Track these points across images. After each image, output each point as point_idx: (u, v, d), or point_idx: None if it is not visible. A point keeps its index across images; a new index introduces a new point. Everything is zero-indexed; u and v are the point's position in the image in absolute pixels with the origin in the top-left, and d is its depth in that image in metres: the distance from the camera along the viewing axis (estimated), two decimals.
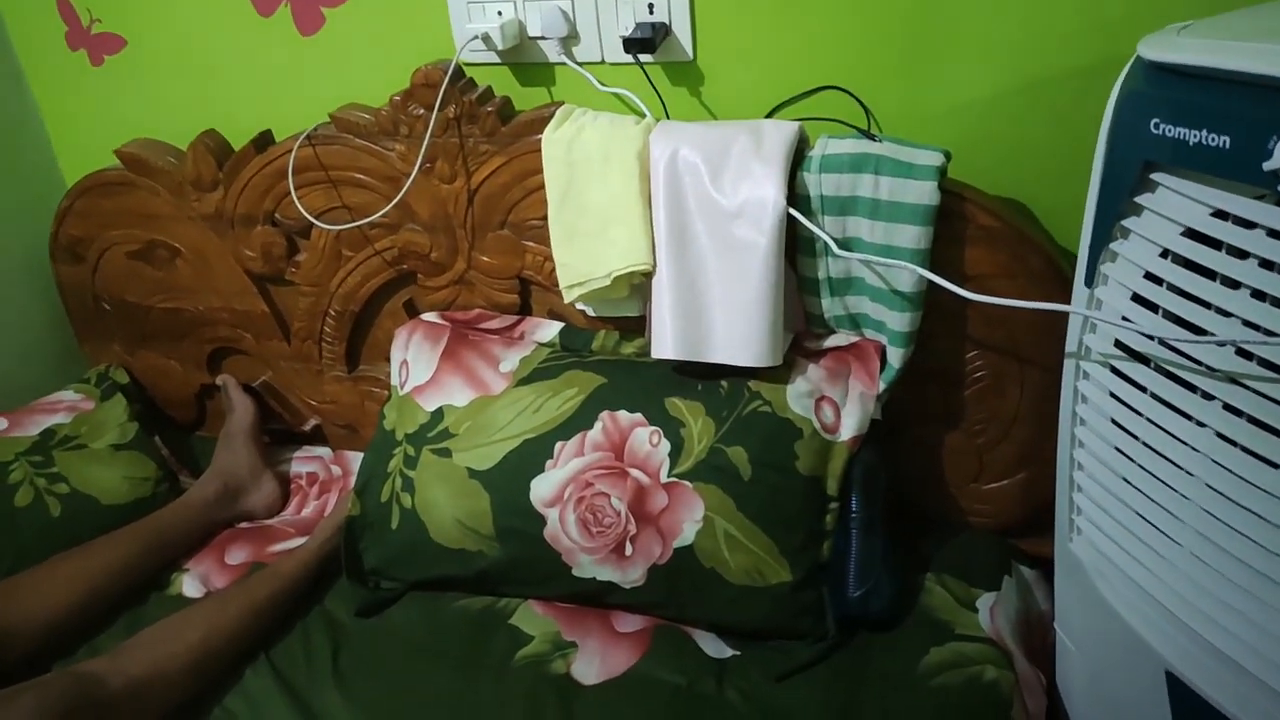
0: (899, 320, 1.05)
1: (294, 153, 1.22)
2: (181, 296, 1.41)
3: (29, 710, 0.90)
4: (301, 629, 1.14)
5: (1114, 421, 0.84)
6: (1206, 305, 0.72)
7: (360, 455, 1.28)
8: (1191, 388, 0.75)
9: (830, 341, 1.12)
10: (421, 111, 1.15)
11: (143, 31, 1.36)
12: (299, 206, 1.22)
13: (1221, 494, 0.74)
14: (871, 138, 1.02)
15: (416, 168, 1.16)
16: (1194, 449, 0.76)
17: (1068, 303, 0.87)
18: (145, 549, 1.22)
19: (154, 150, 1.33)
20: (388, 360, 1.30)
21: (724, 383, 1.09)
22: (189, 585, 1.20)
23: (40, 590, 1.11)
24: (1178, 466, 0.78)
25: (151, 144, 1.35)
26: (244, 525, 1.33)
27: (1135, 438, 0.82)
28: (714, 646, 1.07)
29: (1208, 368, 0.73)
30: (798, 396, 1.07)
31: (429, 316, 1.27)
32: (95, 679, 0.96)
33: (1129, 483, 0.84)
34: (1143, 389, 0.80)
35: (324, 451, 1.46)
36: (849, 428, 1.07)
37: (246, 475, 1.35)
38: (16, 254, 1.49)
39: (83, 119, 1.46)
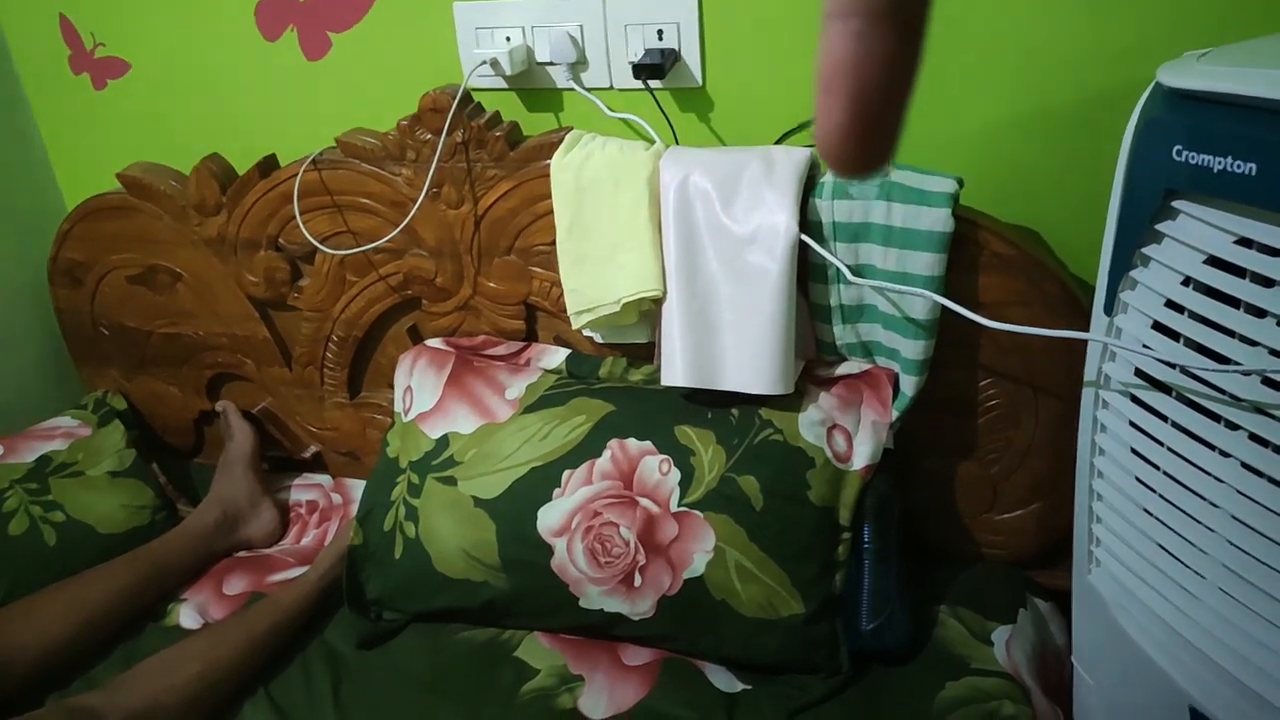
0: (912, 348, 1.04)
1: (299, 177, 1.21)
2: (182, 321, 1.39)
3: None
4: (301, 661, 1.11)
5: (1134, 451, 0.83)
6: (1230, 333, 0.71)
7: (361, 483, 1.26)
8: (1215, 417, 0.74)
9: (842, 369, 1.11)
10: (429, 136, 1.15)
11: (146, 55, 1.36)
12: (304, 231, 1.21)
13: (1248, 526, 0.73)
14: None
15: (423, 193, 1.15)
16: (1219, 480, 0.75)
17: (1084, 330, 0.86)
18: (142, 579, 1.19)
19: (156, 174, 1.32)
20: (390, 387, 1.29)
21: (734, 411, 1.08)
22: (186, 616, 1.18)
23: (34, 620, 1.09)
24: (1201, 498, 0.77)
25: (154, 167, 1.34)
26: (242, 554, 1.30)
27: (1157, 468, 0.81)
28: (724, 680, 1.05)
29: (1232, 397, 0.72)
30: (810, 425, 1.05)
31: (433, 342, 1.25)
32: (92, 713, 0.94)
33: (1150, 514, 0.82)
34: (1164, 418, 0.79)
35: (324, 479, 1.44)
36: (862, 456, 1.05)
37: (245, 503, 1.33)
38: (14, 278, 1.47)
39: (85, 142, 1.46)
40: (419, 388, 1.20)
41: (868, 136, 0.23)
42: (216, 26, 1.29)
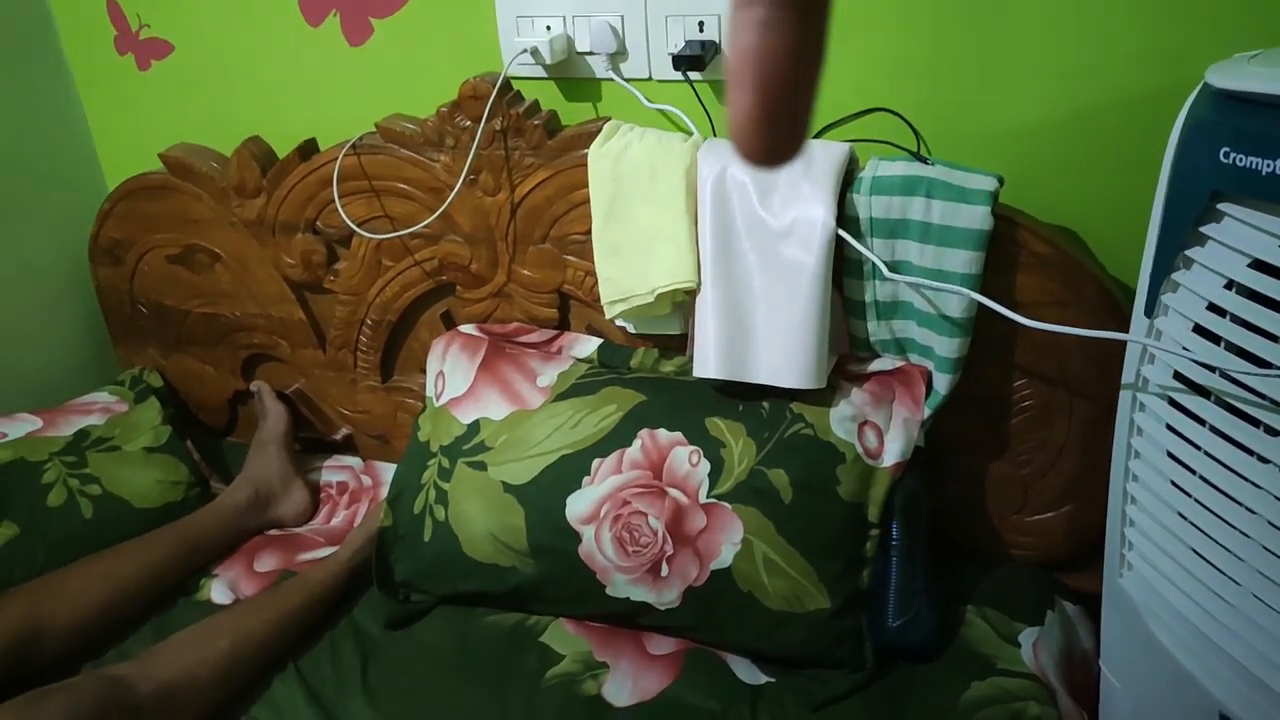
0: (947, 346, 1.04)
1: (338, 161, 1.22)
2: (219, 302, 1.41)
3: (59, 712, 0.90)
4: (330, 639, 1.13)
5: (1171, 455, 0.83)
6: (1273, 338, 0.71)
7: (391, 466, 1.27)
8: (1255, 422, 0.74)
9: (875, 365, 1.10)
10: (468, 123, 1.15)
11: (191, 38, 1.37)
12: (342, 215, 1.22)
13: None
14: (923, 160, 1.01)
15: (461, 179, 1.16)
16: (1256, 485, 0.74)
17: (1122, 332, 0.86)
18: (175, 553, 1.21)
19: (198, 155, 1.33)
20: (422, 371, 1.30)
21: (765, 404, 1.08)
22: (217, 591, 1.20)
23: (70, 591, 1.11)
24: (1238, 503, 0.76)
25: (195, 149, 1.35)
26: (273, 533, 1.32)
27: (1193, 472, 0.80)
28: (748, 672, 1.05)
29: (1273, 402, 0.72)
30: (841, 420, 1.05)
31: (466, 329, 1.26)
32: (125, 683, 0.96)
33: (1185, 518, 0.82)
34: (1202, 422, 0.79)
35: (354, 461, 1.46)
36: (892, 453, 1.05)
37: (277, 483, 1.35)
38: (56, 255, 1.49)
39: (128, 122, 1.47)
40: (451, 373, 1.21)
41: (775, 125, 0.24)
42: (260, 10, 1.30)
